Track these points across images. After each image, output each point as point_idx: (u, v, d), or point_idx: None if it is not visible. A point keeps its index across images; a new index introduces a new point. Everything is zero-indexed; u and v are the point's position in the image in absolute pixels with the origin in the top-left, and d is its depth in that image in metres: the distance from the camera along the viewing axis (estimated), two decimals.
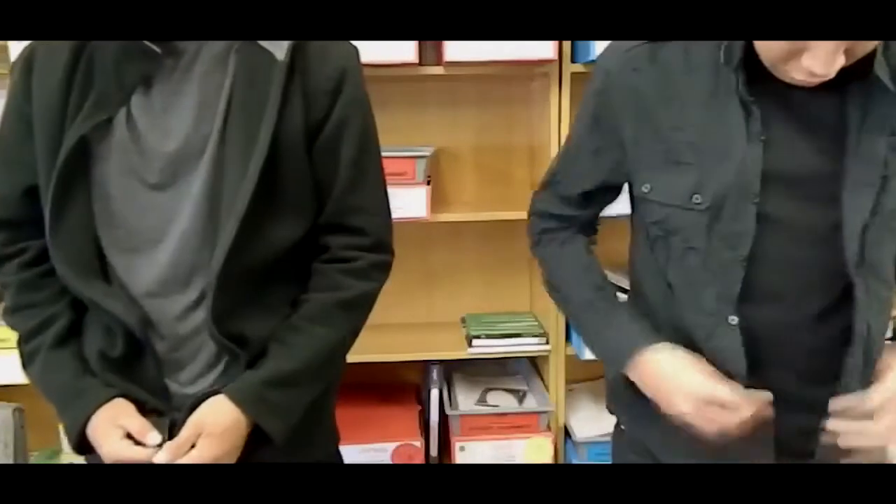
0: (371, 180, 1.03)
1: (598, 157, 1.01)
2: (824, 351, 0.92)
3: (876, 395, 0.85)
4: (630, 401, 1.04)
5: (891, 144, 0.86)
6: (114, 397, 0.96)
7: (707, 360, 0.93)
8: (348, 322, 1.03)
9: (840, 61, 0.78)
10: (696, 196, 0.90)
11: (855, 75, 0.83)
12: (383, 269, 1.06)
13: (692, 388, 0.90)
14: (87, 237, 0.96)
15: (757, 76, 0.87)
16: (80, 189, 0.94)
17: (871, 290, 0.89)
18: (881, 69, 0.83)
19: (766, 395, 0.88)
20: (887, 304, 0.94)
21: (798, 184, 0.88)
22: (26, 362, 1.02)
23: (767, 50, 0.83)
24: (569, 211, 1.09)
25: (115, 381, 0.97)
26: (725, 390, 0.88)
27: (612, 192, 1.07)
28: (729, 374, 0.91)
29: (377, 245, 1.04)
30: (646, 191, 0.96)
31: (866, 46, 0.79)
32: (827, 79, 0.79)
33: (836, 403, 0.86)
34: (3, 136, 0.99)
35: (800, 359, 0.93)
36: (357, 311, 1.04)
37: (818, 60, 0.77)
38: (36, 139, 0.94)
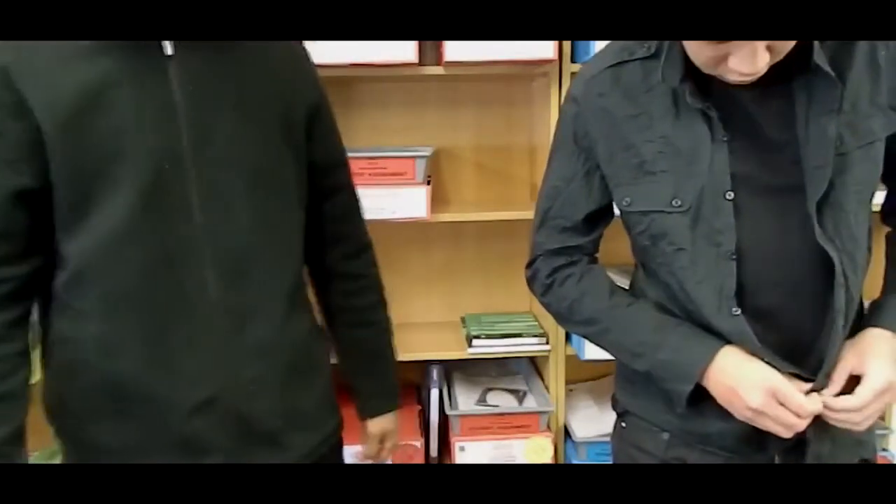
0: None
1: (590, 177, 1.04)
2: (816, 326, 0.94)
3: (863, 394, 0.90)
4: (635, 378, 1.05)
5: (845, 122, 0.90)
6: None
7: None
8: None
9: (765, 58, 0.82)
10: (675, 200, 0.95)
11: (798, 69, 0.88)
12: None
13: (763, 378, 0.91)
14: None
15: (708, 83, 0.92)
16: None
17: (849, 264, 0.92)
18: (820, 58, 0.87)
19: (819, 405, 0.91)
20: (863, 273, 0.97)
21: (765, 177, 0.93)
22: None
23: (696, 58, 0.87)
24: (574, 241, 1.07)
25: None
26: (793, 386, 0.90)
27: (610, 212, 1.07)
28: None
29: None
30: (626, 204, 1.00)
31: (789, 43, 0.83)
32: (758, 76, 0.84)
33: (828, 402, 0.91)
34: None
35: (796, 337, 0.95)
36: None
37: (743, 61, 0.82)
38: None
